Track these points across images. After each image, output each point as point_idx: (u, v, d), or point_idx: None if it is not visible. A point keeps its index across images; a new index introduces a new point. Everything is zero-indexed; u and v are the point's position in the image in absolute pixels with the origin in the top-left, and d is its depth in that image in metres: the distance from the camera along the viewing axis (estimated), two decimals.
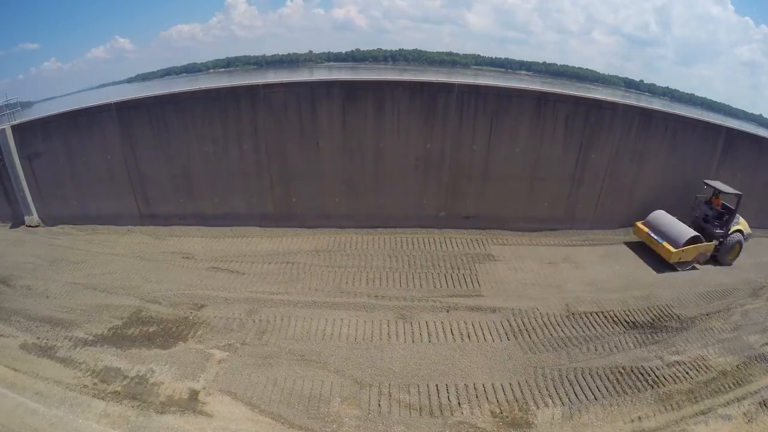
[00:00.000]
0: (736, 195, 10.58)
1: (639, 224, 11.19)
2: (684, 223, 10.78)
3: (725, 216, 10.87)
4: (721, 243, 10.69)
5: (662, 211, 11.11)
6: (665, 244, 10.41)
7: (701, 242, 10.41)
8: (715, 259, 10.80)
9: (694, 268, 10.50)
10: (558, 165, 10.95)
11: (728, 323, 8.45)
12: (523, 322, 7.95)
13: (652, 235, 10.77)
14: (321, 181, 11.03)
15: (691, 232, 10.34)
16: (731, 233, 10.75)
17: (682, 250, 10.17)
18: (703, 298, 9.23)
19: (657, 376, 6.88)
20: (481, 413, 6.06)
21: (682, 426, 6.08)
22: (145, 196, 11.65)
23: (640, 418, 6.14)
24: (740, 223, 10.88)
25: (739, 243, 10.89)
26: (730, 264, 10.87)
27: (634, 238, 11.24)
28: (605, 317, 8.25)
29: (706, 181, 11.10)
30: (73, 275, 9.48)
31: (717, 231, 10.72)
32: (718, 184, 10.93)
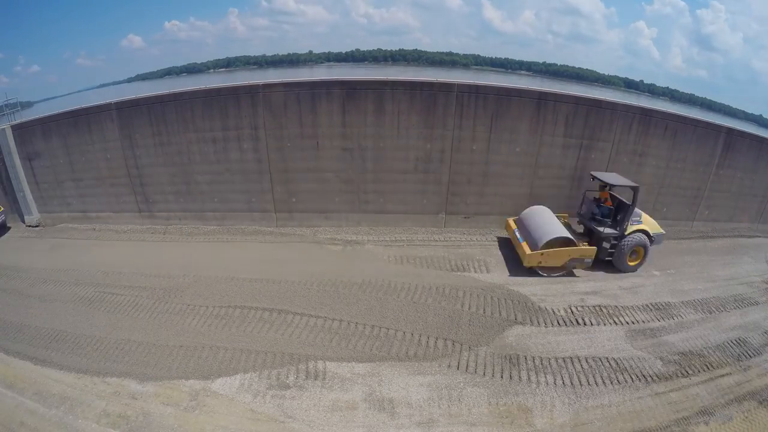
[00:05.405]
0: (632, 188, 8.87)
1: (509, 220, 10.08)
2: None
3: (619, 214, 9.19)
4: (614, 245, 9.08)
5: (544, 207, 10.01)
6: (524, 245, 8.99)
7: (573, 245, 8.87)
8: (612, 264, 9.31)
9: (567, 274, 9.00)
10: (558, 165, 10.96)
11: None
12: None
13: (516, 233, 9.48)
14: (321, 180, 11.04)
15: (558, 233, 8.86)
16: (629, 234, 9.05)
17: (542, 254, 8.68)
18: None
19: None
20: None
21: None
22: (145, 196, 11.67)
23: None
24: (644, 222, 9.24)
25: (643, 246, 9.13)
26: (634, 270, 9.27)
27: None
28: None
29: (594, 173, 9.61)
30: (73, 274, 9.46)
31: (606, 231, 9.06)
32: (609, 176, 9.40)
